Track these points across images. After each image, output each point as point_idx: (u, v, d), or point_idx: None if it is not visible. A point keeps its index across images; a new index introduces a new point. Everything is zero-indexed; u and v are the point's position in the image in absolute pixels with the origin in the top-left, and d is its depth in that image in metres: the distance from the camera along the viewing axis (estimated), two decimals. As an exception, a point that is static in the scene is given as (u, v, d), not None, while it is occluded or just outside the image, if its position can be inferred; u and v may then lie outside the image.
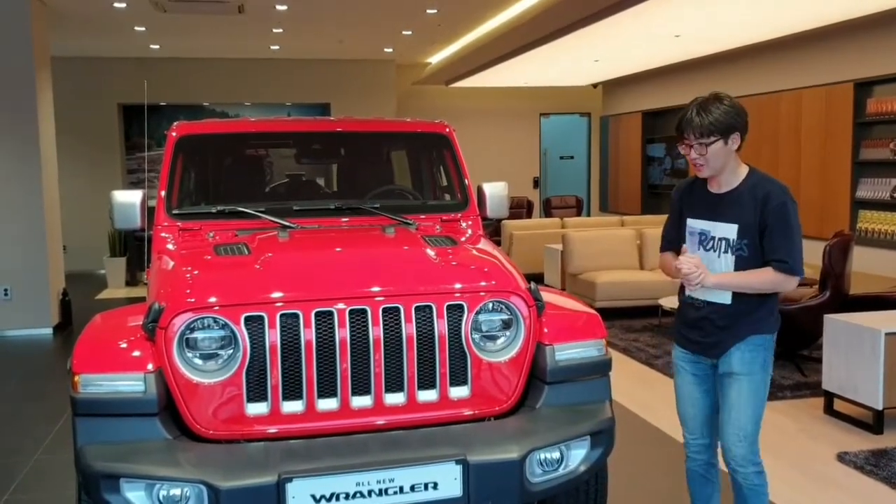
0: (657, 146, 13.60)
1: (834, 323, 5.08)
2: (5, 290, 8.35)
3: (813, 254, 6.46)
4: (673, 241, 3.17)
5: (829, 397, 5.16)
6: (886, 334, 4.67)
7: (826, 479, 4.22)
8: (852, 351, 4.88)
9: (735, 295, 2.96)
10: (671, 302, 7.43)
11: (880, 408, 4.73)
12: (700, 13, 8.11)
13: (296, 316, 2.76)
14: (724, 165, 2.94)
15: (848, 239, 5.88)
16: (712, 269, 2.95)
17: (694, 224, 3.04)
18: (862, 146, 8.75)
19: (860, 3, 7.62)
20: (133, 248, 11.14)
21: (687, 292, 3.09)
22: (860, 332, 4.82)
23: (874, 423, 4.80)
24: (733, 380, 2.99)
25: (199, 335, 2.77)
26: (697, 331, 3.07)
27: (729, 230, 2.93)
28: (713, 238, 2.98)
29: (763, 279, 2.89)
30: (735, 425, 2.99)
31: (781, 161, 9.98)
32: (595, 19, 8.20)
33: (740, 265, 2.92)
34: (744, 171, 2.98)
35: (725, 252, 2.95)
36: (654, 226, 10.07)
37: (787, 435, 4.88)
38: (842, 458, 4.42)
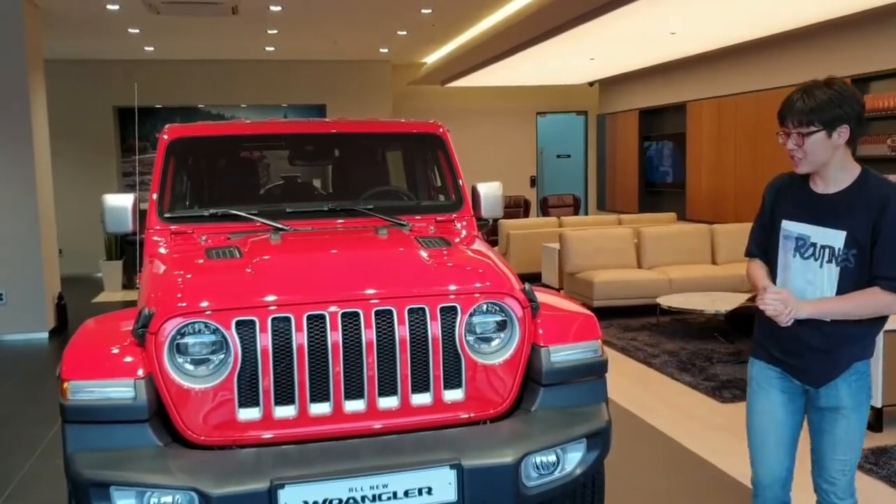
0: (655, 144, 13.57)
1: (832, 321, 5.05)
2: (0, 294, 8.32)
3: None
4: (762, 244, 2.78)
5: (828, 395, 5.13)
6: (885, 332, 4.64)
7: (825, 478, 4.19)
8: (851, 349, 4.85)
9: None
10: (669, 301, 7.42)
11: (880, 406, 4.70)
12: (695, 10, 8.08)
13: (287, 320, 2.73)
14: (826, 161, 2.52)
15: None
16: (813, 281, 2.56)
17: (790, 227, 2.63)
18: (858, 142, 8.71)
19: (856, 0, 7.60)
20: (129, 251, 11.11)
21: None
22: (858, 329, 4.80)
23: (874, 421, 4.77)
24: (840, 415, 2.60)
25: (189, 340, 2.74)
26: (787, 351, 2.66)
27: (835, 238, 2.52)
28: (814, 245, 2.57)
29: (868, 302, 2.48)
30: (842, 461, 2.66)
31: (780, 157, 9.94)
32: (590, 17, 8.17)
33: (846, 278, 2.51)
34: (855, 170, 2.55)
35: (829, 262, 2.54)
36: (651, 224, 10.07)
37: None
38: (841, 456, 4.38)
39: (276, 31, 10.78)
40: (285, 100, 13.89)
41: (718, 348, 6.85)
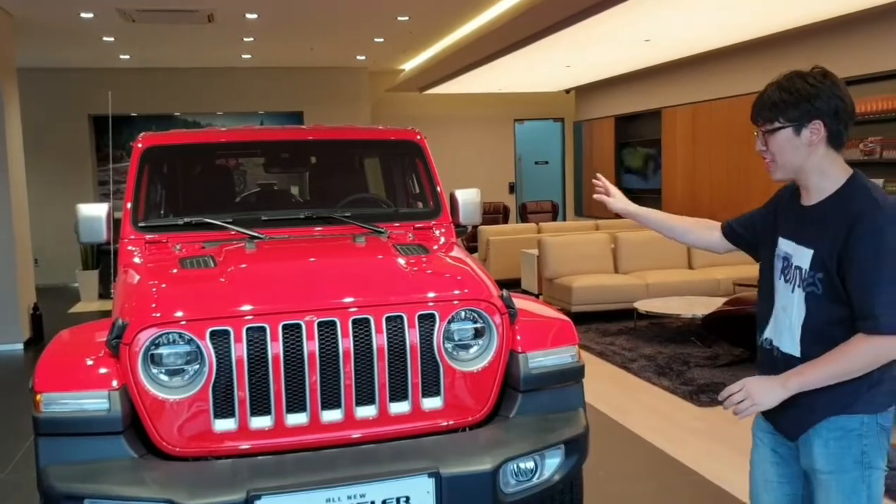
0: (630, 150, 13.66)
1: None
2: (-27, 305, 8.20)
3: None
4: (733, 229, 2.49)
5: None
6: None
7: (802, 480, 4.22)
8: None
9: (804, 340, 2.12)
10: (646, 305, 7.46)
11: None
12: (669, 18, 8.16)
13: (263, 329, 2.71)
14: (800, 166, 2.15)
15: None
16: (786, 307, 2.17)
17: (781, 245, 2.25)
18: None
19: (829, 4, 7.70)
20: (105, 260, 11.00)
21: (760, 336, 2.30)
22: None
23: None
24: (818, 480, 2.14)
25: (164, 351, 2.72)
26: None
27: (803, 257, 2.14)
28: (791, 266, 2.19)
29: (855, 357, 2.00)
30: None
31: (757, 163, 10.05)
32: (564, 25, 8.23)
33: (812, 307, 2.10)
34: (841, 176, 2.13)
35: (799, 286, 2.14)
36: (627, 229, 10.12)
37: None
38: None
39: (252, 39, 10.74)
40: (262, 107, 13.84)
41: (695, 352, 6.89)
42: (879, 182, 8.22)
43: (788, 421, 2.18)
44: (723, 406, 2.18)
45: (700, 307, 6.97)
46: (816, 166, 2.14)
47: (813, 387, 2.06)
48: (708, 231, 2.59)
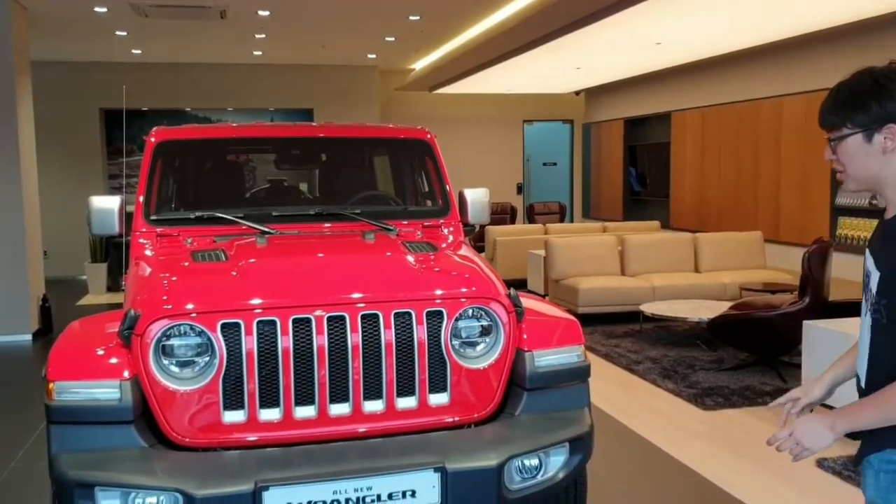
0: (640, 153, 13.67)
1: (813, 329, 5.11)
2: (-17, 296, 8.27)
3: (793, 260, 6.51)
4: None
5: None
6: (864, 340, 4.70)
7: (803, 484, 4.24)
8: (831, 357, 4.88)
9: (871, 373, 1.92)
10: (652, 308, 7.47)
11: None
12: (680, 21, 8.17)
13: (273, 323, 2.74)
14: (876, 176, 1.87)
15: (826, 246, 5.93)
16: (862, 335, 1.96)
17: (865, 259, 1.96)
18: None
19: (839, 12, 7.70)
20: (114, 253, 11.06)
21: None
22: (838, 338, 4.85)
23: (853, 428, 4.81)
24: None
25: (175, 342, 2.75)
26: None
27: (875, 278, 1.88)
28: (868, 286, 1.92)
29: None
30: None
31: (762, 168, 10.05)
32: (575, 27, 8.25)
33: (877, 337, 1.88)
34: None
35: (868, 311, 1.92)
36: (635, 232, 10.14)
37: (764, 440, 4.89)
38: (821, 464, 4.43)
39: (263, 36, 10.79)
40: (272, 104, 13.90)
41: (700, 356, 6.91)
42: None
43: (860, 442, 2.00)
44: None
45: (706, 311, 6.98)
46: (894, 176, 1.86)
47: (864, 428, 1.88)
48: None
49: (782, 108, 9.64)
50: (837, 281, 6.40)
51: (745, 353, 6.58)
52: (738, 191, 10.62)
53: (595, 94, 14.92)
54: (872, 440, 1.90)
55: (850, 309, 5.77)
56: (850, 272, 8.19)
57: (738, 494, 4.08)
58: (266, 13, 9.18)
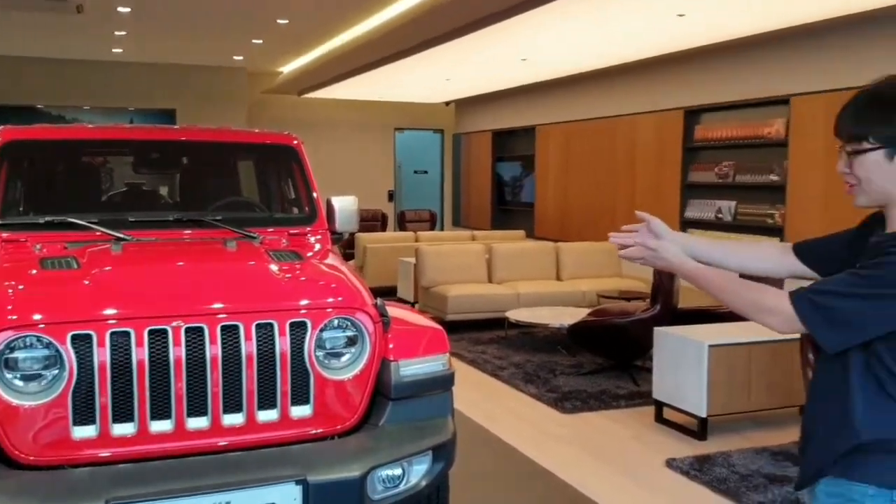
0: (506, 165, 14.02)
1: (663, 335, 5.40)
2: None
3: (647, 269, 6.86)
4: (809, 247, 1.99)
5: (659, 406, 5.47)
6: (710, 346, 5.01)
7: (654, 484, 4.47)
8: (680, 362, 5.20)
9: (820, 389, 1.82)
10: (517, 315, 7.68)
11: (704, 416, 5.06)
12: (543, 39, 8.46)
13: (127, 334, 2.64)
14: (888, 194, 1.73)
15: (677, 256, 6.27)
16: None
17: None
18: (690, 169, 9.39)
19: (691, 36, 8.20)
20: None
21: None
22: (686, 344, 5.15)
23: (699, 430, 5.13)
24: None
25: (20, 355, 2.60)
26: None
27: None
28: None
29: (749, 288, 1.76)
30: None
31: (619, 182, 10.53)
32: (443, 40, 8.39)
33: (825, 356, 1.76)
34: None
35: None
36: (503, 241, 10.39)
37: (619, 442, 5.14)
38: (670, 464, 4.69)
39: (124, 33, 10.34)
40: (132, 103, 13.33)
41: (561, 360, 7.15)
42: (731, 204, 8.82)
43: (800, 470, 1.88)
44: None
45: (567, 317, 7.24)
46: None
47: (697, 284, 1.85)
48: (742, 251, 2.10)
49: (637, 126, 10.16)
50: (686, 290, 6.78)
51: (601, 358, 6.87)
52: (597, 202, 11.09)
53: (464, 105, 15.19)
54: (820, 466, 1.77)
55: (697, 316, 6.14)
56: (699, 281, 8.72)
57: (592, 495, 4.26)
58: (126, 10, 8.81)
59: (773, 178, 8.25)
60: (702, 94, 9.12)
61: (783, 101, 8.01)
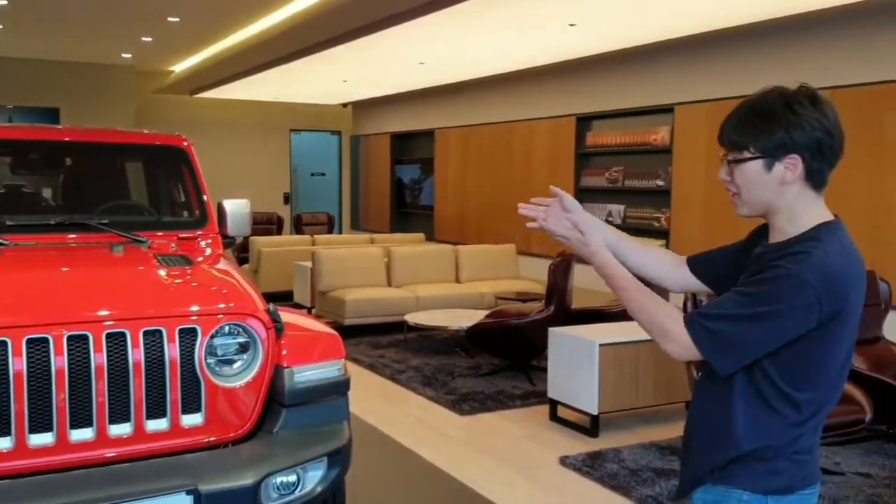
0: (405, 167, 14.05)
1: (557, 335, 5.53)
2: None
3: (543, 271, 7.02)
4: (700, 261, 2.00)
5: (554, 405, 5.60)
6: (601, 345, 5.17)
7: (548, 481, 4.58)
8: (573, 361, 5.35)
9: (701, 401, 1.86)
10: (415, 318, 7.71)
11: (596, 413, 5.21)
12: (440, 44, 8.54)
13: (3, 344, 2.51)
14: (769, 204, 1.75)
15: (569, 258, 6.45)
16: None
17: None
18: (583, 174, 9.67)
19: (583, 46, 8.44)
20: None
21: None
22: (579, 343, 5.30)
23: (591, 427, 5.28)
24: None
25: None
26: None
27: None
28: None
29: (651, 307, 1.77)
30: None
31: (516, 186, 10.73)
32: (339, 42, 8.35)
33: (706, 373, 1.81)
34: (809, 223, 1.73)
35: None
36: (402, 244, 10.40)
37: (514, 441, 5.24)
38: (563, 461, 4.81)
39: (1, 27, 9.81)
40: (11, 101, 12.66)
41: (460, 362, 7.23)
42: (621, 208, 9.13)
43: (679, 480, 1.92)
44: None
45: (465, 319, 7.32)
46: (787, 208, 1.74)
47: (604, 276, 1.87)
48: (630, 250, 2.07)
49: (532, 131, 10.39)
50: (579, 290, 6.98)
51: (499, 359, 6.98)
52: (495, 206, 11.26)
53: (362, 107, 15.15)
54: (697, 472, 1.83)
55: (590, 317, 6.32)
56: (590, 282, 8.99)
57: (489, 494, 4.32)
58: (4, 2, 8.36)
59: (659, 183, 8.59)
60: (593, 102, 9.42)
61: (668, 109, 8.35)
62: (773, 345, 1.67)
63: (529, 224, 1.99)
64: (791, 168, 1.69)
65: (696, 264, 1.99)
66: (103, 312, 2.70)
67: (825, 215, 1.74)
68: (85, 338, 2.62)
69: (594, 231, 1.94)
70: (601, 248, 1.90)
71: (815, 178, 1.71)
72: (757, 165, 1.72)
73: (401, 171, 14.20)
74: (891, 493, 4.22)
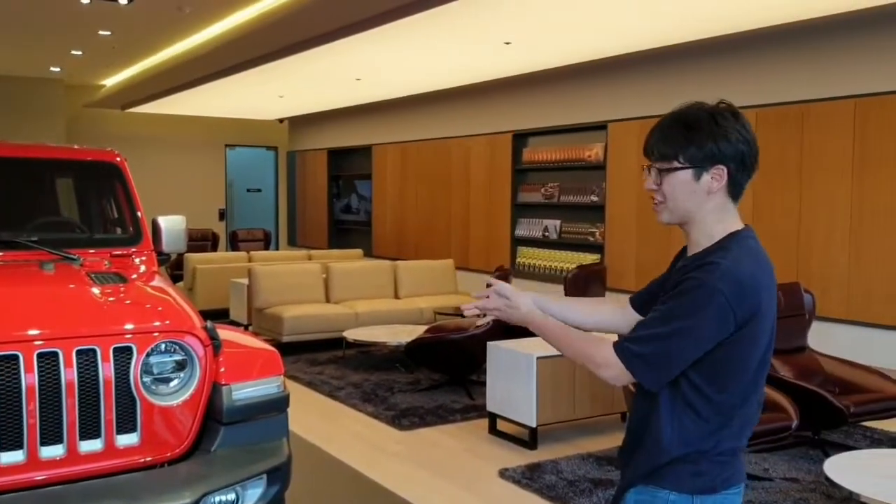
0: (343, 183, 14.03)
1: (495, 349, 5.59)
2: None
3: (481, 286, 7.11)
4: (640, 298, 2.04)
5: (493, 418, 5.64)
6: (538, 358, 5.23)
7: (488, 494, 4.61)
8: (511, 374, 5.40)
9: (636, 410, 1.94)
10: (354, 334, 7.68)
11: (534, 425, 5.27)
12: (376, 60, 8.58)
13: (-76, 366, 2.43)
14: (690, 212, 1.83)
15: (507, 272, 6.54)
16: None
17: None
18: (520, 190, 9.81)
19: (518, 63, 8.58)
20: None
21: None
22: (517, 356, 5.36)
23: (529, 439, 5.33)
24: None
25: None
26: None
27: None
28: None
29: (583, 346, 1.87)
30: None
31: (454, 201, 10.82)
32: (274, 58, 8.34)
33: (677, 395, 1.81)
34: (721, 232, 1.82)
35: None
36: (340, 260, 10.36)
37: (454, 455, 5.26)
38: (503, 473, 4.85)
39: (-79, 37, 9.49)
40: (-68, 114, 12.22)
41: (399, 378, 7.22)
42: (557, 223, 9.28)
43: (617, 487, 1.98)
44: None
45: (404, 335, 7.32)
46: (705, 217, 1.82)
47: (542, 333, 1.96)
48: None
49: (470, 147, 10.50)
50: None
51: (438, 374, 7.00)
52: (433, 221, 11.32)
53: (299, 122, 15.07)
54: (632, 468, 1.90)
55: (529, 331, 6.37)
56: (529, 296, 9.11)
57: (431, 509, 4.33)
58: (-76, 12, 8.09)
59: (594, 198, 8.77)
60: (529, 119, 9.58)
61: (601, 126, 8.55)
62: (696, 355, 1.75)
63: (467, 312, 2.12)
64: (717, 178, 1.78)
65: (639, 302, 2.05)
66: (33, 332, 2.63)
67: (736, 224, 1.83)
68: (14, 358, 2.55)
69: (519, 294, 2.02)
70: (531, 309, 1.99)
71: (736, 189, 1.81)
72: (686, 175, 1.80)
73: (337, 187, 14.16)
74: (817, 497, 4.38)
